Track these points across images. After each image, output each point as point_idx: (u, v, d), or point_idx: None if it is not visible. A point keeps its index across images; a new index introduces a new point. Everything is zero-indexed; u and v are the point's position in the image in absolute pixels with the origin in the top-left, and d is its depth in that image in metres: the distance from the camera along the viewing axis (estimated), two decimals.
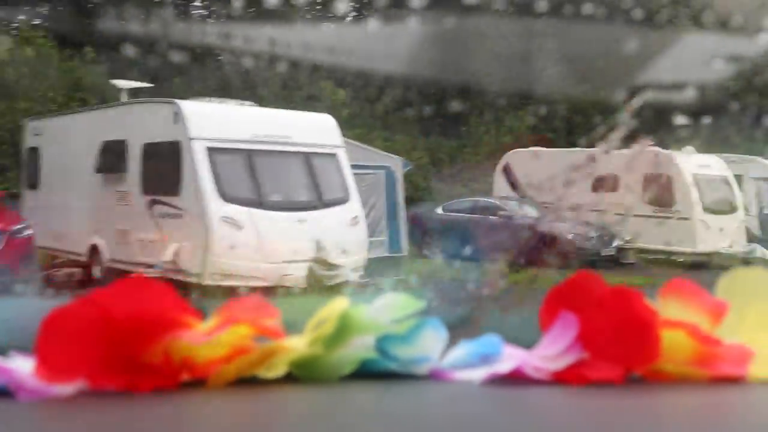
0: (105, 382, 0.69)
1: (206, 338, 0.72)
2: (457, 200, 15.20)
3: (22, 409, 0.68)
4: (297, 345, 0.76)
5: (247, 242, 7.78)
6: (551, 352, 0.78)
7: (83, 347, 0.69)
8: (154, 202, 8.51)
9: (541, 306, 0.82)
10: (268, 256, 7.75)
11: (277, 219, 8.16)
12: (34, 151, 11.36)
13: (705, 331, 0.80)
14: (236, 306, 0.76)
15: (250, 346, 0.74)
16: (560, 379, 0.77)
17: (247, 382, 0.74)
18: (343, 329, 0.76)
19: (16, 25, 29.88)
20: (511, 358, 0.79)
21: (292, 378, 0.76)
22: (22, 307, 0.97)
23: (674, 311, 0.82)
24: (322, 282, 7.42)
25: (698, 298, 0.84)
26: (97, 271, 9.20)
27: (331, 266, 7.81)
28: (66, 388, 0.69)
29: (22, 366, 0.71)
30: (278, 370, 0.75)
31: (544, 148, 18.60)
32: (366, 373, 0.78)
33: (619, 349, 0.77)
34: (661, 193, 14.59)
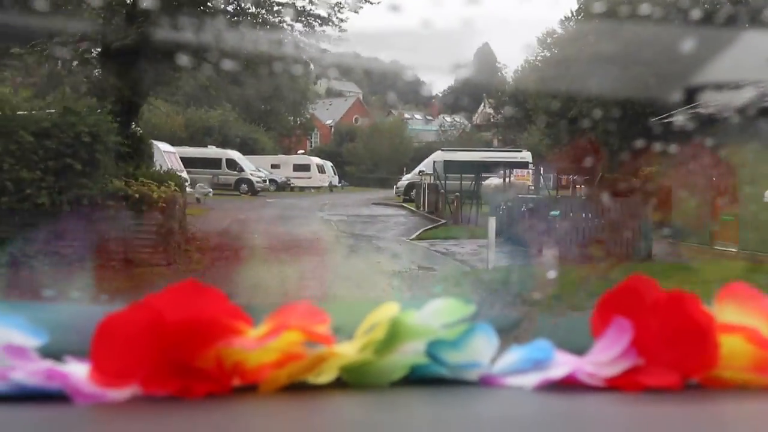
0: (158, 387, 0.70)
1: (258, 344, 0.73)
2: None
3: (78, 414, 0.69)
4: (347, 351, 0.76)
5: None
6: (605, 357, 0.77)
7: (137, 352, 0.70)
8: None
9: (594, 311, 0.80)
10: None
11: None
12: None
13: (765, 336, 0.78)
14: (287, 312, 0.77)
15: (301, 352, 0.74)
16: (615, 385, 0.75)
17: (298, 387, 0.74)
18: (394, 335, 0.75)
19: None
20: (563, 363, 0.78)
21: (342, 383, 0.76)
22: (76, 312, 0.98)
23: (732, 315, 0.80)
24: None
25: (756, 301, 0.82)
26: None
27: None
28: (120, 393, 0.70)
29: (77, 371, 0.72)
30: (329, 375, 0.75)
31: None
32: (416, 378, 0.77)
33: (676, 355, 0.75)
34: None
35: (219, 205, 27.53)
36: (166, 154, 28.76)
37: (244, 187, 39.20)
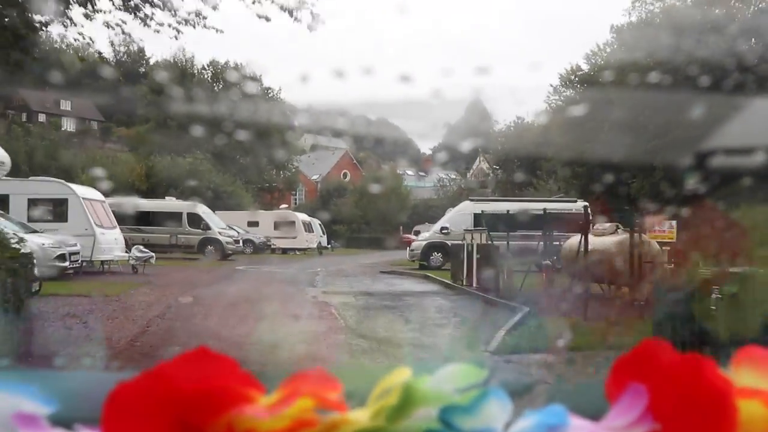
0: None
1: (270, 412, 0.72)
2: None
3: None
4: (360, 417, 0.75)
5: None
6: (620, 423, 0.76)
7: (148, 421, 0.69)
8: None
9: (608, 375, 0.80)
10: None
11: None
12: None
13: None
14: (300, 379, 0.76)
15: (313, 419, 0.74)
16: None
17: None
18: (406, 400, 0.75)
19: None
20: (578, 429, 0.77)
21: None
22: (87, 379, 0.98)
23: (749, 380, 0.79)
24: None
25: None
26: None
27: None
28: None
29: None
30: None
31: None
32: None
33: (693, 421, 0.74)
34: None
35: (164, 275, 20.28)
36: (89, 204, 22.53)
37: (211, 249, 32.38)
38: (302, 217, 43.44)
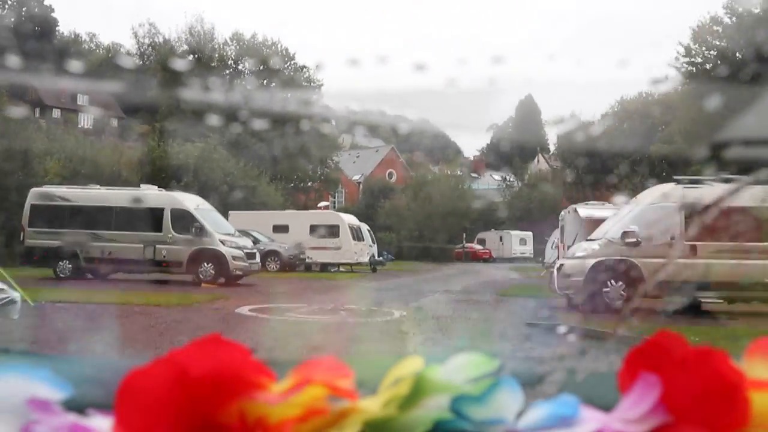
0: None
1: (281, 399, 0.73)
2: None
3: None
4: (371, 406, 0.75)
5: None
6: (633, 414, 0.75)
7: (161, 407, 0.70)
8: None
9: (621, 366, 0.80)
10: None
11: None
12: None
13: None
14: (311, 367, 0.77)
15: (324, 407, 0.74)
16: None
17: None
18: (417, 390, 0.75)
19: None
20: (590, 420, 0.77)
21: None
22: (100, 366, 0.99)
23: (762, 371, 0.79)
24: None
25: None
26: None
27: None
28: None
29: (101, 425, 0.72)
30: (352, 430, 0.75)
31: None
32: None
33: (705, 413, 0.74)
34: None
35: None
36: None
37: (207, 267, 20.32)
38: (349, 219, 31.48)
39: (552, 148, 67.91)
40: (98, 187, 23.02)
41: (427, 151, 70.40)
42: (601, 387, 0.84)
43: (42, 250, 21.44)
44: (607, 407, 0.79)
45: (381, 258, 33.49)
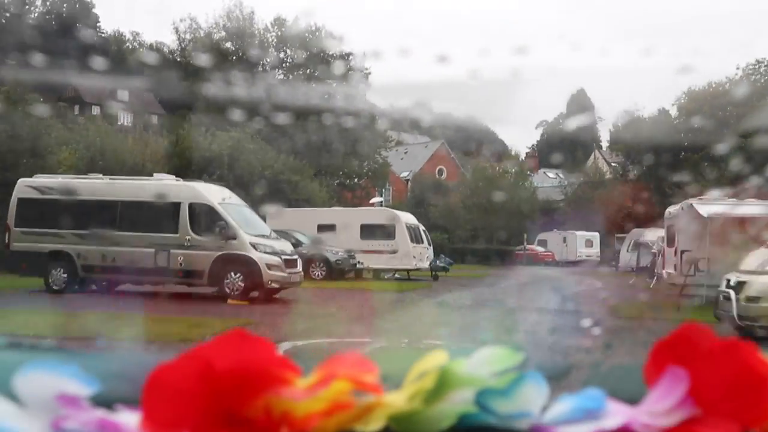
0: None
1: (306, 394, 0.73)
2: None
3: None
4: (396, 400, 0.75)
5: None
6: (660, 407, 0.75)
7: (187, 402, 0.70)
8: None
9: (647, 359, 0.79)
10: None
11: None
12: None
13: None
14: (336, 362, 0.77)
15: (349, 401, 0.74)
16: None
17: None
18: (442, 383, 0.75)
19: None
20: (616, 413, 0.77)
21: None
22: (128, 361, 1.00)
23: None
24: None
25: None
26: None
27: None
28: None
29: (129, 420, 0.73)
30: (377, 424, 0.75)
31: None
32: (465, 428, 0.76)
33: (734, 405, 0.73)
34: None
35: None
36: None
37: (236, 279, 16.38)
38: (406, 218, 27.20)
39: (605, 144, 65.17)
40: (101, 176, 18.75)
41: (476, 149, 64.14)
42: (628, 380, 0.83)
43: (31, 256, 17.02)
44: (633, 400, 0.78)
45: (442, 263, 27.22)
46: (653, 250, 26.31)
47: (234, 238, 16.47)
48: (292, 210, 27.46)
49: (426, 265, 26.61)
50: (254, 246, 16.51)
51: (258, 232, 17.32)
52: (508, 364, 0.79)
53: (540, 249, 46.19)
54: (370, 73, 49.70)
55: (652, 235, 33.02)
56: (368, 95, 48.77)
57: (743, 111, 38.58)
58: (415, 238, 26.72)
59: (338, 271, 24.02)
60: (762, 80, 43.32)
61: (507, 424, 0.77)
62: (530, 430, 0.77)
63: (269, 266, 16.38)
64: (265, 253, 16.53)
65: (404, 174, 57.72)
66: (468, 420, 0.76)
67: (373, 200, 37.69)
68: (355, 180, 46.17)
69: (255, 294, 16.33)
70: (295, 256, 17.62)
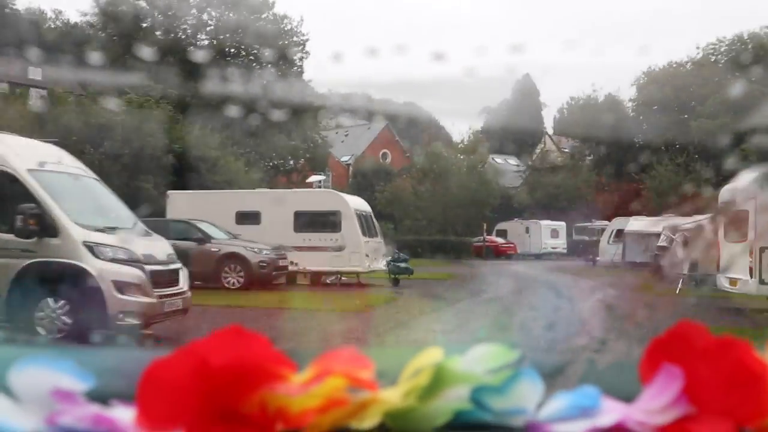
0: None
1: (302, 390, 0.73)
2: None
3: None
4: (391, 396, 0.75)
5: None
6: (655, 405, 0.75)
7: (182, 398, 0.70)
8: None
9: (642, 357, 0.79)
10: None
11: None
12: None
13: None
14: (331, 358, 0.77)
15: (345, 398, 0.74)
16: None
17: None
18: (438, 380, 0.75)
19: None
20: (611, 410, 0.77)
21: (385, 429, 0.76)
22: (123, 357, 1.00)
23: None
24: None
25: None
26: None
27: None
28: None
29: (124, 415, 0.73)
30: (372, 421, 0.75)
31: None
32: (460, 424, 0.77)
33: (729, 403, 0.74)
34: None
35: None
36: None
37: (55, 310, 8.81)
38: (356, 204, 20.72)
39: (551, 130, 63.22)
40: None
41: (425, 132, 58.13)
42: (623, 378, 0.84)
43: None
44: (628, 398, 0.78)
45: (403, 263, 20.14)
46: (662, 243, 21.99)
47: (55, 234, 9.15)
48: (201, 193, 21.33)
49: (382, 265, 19.91)
50: (92, 248, 9.20)
51: (107, 224, 10.07)
52: (504, 361, 0.79)
53: (500, 240, 41.56)
54: (307, 40, 43.39)
55: (639, 224, 30.27)
56: (306, 67, 43.90)
57: (706, 91, 37.55)
58: (368, 230, 20.33)
59: (262, 278, 17.44)
60: (723, 60, 42.92)
61: (502, 420, 0.77)
62: (525, 427, 0.77)
63: (121, 286, 9.12)
64: (115, 261, 9.32)
65: (345, 158, 52.08)
66: (463, 417, 0.76)
67: (311, 179, 29.98)
68: (291, 162, 38.75)
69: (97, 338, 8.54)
70: (177, 265, 10.40)
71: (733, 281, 13.80)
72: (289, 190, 25.97)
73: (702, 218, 18.97)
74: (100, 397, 0.75)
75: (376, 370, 0.77)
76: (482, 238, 39.37)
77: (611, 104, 46.98)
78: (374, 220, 21.77)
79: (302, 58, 42.46)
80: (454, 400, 0.76)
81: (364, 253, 19.60)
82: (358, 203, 21.20)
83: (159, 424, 0.70)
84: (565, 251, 41.69)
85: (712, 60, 43.54)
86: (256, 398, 0.72)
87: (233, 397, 0.71)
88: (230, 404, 0.71)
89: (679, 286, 17.61)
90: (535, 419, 0.77)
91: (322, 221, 19.95)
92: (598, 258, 33.20)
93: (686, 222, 20.36)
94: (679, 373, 0.75)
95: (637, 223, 31.01)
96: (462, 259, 34.88)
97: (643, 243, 28.36)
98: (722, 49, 44.28)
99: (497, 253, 39.90)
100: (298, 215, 19.91)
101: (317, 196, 21.97)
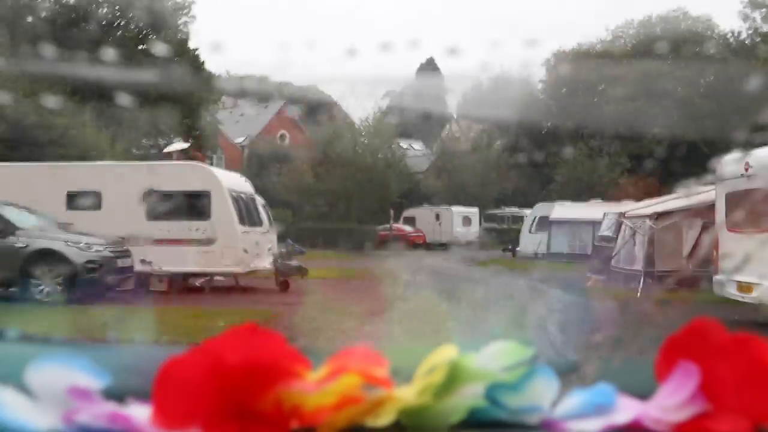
0: (219, 430, 0.71)
1: (317, 387, 0.73)
2: None
3: None
4: (406, 394, 0.75)
5: None
6: (671, 403, 0.75)
7: (198, 396, 0.71)
8: None
9: (658, 355, 0.79)
10: None
11: None
12: None
13: None
14: (346, 356, 0.77)
15: (360, 395, 0.74)
16: (683, 431, 0.73)
17: (356, 430, 0.74)
18: (452, 378, 0.75)
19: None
20: (627, 408, 0.77)
21: (400, 427, 0.76)
22: (139, 355, 1.00)
23: None
24: None
25: None
26: None
27: None
28: None
29: (140, 413, 0.73)
30: (387, 418, 0.75)
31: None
32: (475, 422, 0.76)
33: (746, 400, 0.73)
34: None
35: None
36: None
37: None
38: (231, 182, 16.07)
39: (457, 114, 60.80)
40: None
41: (327, 113, 51.15)
42: (638, 375, 0.83)
43: None
44: (644, 396, 0.78)
45: (294, 260, 16.32)
46: (605, 232, 18.01)
47: None
48: (9, 167, 15.32)
49: (268, 263, 15.36)
50: None
51: None
52: (518, 359, 0.79)
53: (408, 228, 38.03)
54: (193, 2, 38.59)
55: (567, 210, 25.98)
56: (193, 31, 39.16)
57: (616, 73, 36.38)
58: (248, 217, 15.50)
59: (92, 284, 12.38)
60: (633, 41, 42.53)
61: (517, 418, 0.77)
62: (540, 425, 0.77)
63: None
64: None
65: (239, 139, 47.32)
66: (478, 414, 0.76)
67: (170, 147, 23.14)
68: (172, 139, 31.69)
69: None
70: None
71: (745, 286, 10.64)
72: (141, 163, 19.06)
73: (677, 200, 14.95)
74: (117, 395, 0.76)
75: (390, 367, 0.77)
76: (389, 226, 36.08)
77: (522, 86, 45.38)
78: (258, 204, 16.71)
79: (186, 23, 37.44)
80: (469, 397, 0.76)
81: (242, 248, 14.58)
82: (234, 181, 16.01)
83: (175, 422, 0.70)
84: (478, 240, 37.84)
85: (622, 42, 43.20)
86: (271, 396, 0.72)
87: (248, 394, 0.72)
88: (245, 402, 0.72)
89: (640, 286, 14.27)
90: (550, 417, 0.77)
91: (186, 205, 14.81)
92: (518, 249, 29.45)
93: (644, 206, 16.22)
94: (696, 371, 0.74)
95: (564, 210, 26.58)
96: (367, 249, 31.02)
97: (572, 232, 25.33)
98: (630, 32, 44.15)
99: (405, 243, 36.25)
100: (150, 196, 14.47)
101: (178, 172, 15.65)
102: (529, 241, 28.20)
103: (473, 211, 39.44)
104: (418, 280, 18.00)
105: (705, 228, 13.99)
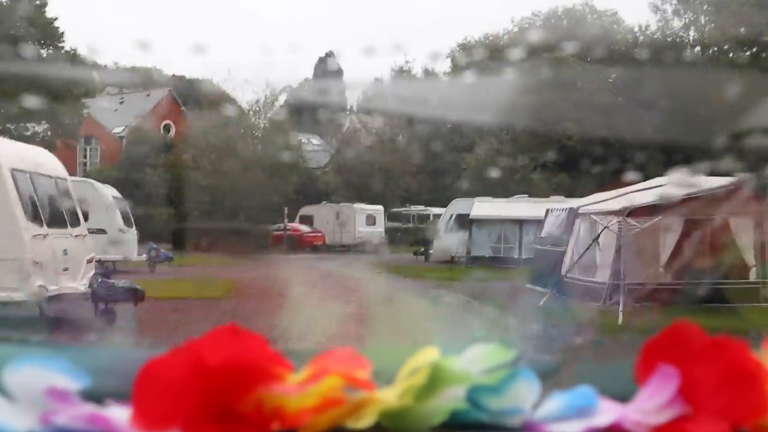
0: None
1: (298, 389, 0.73)
2: None
3: None
4: (387, 396, 0.75)
5: None
6: (651, 405, 0.75)
7: (178, 397, 0.70)
8: None
9: (637, 358, 0.79)
10: None
11: None
12: None
13: None
14: (328, 357, 0.77)
15: (341, 397, 0.74)
16: None
17: None
18: (434, 380, 0.75)
19: None
20: (607, 410, 0.77)
21: (381, 429, 0.76)
22: (118, 356, 0.99)
23: None
24: None
25: None
26: None
27: None
28: None
29: (119, 415, 0.73)
30: (368, 420, 0.75)
31: None
32: (456, 424, 0.77)
33: (724, 403, 0.74)
34: None
35: None
36: None
37: None
38: (21, 155, 10.72)
39: (355, 107, 60.37)
40: None
41: (214, 102, 49.54)
42: (618, 378, 0.84)
43: None
44: (624, 398, 0.78)
45: (125, 280, 12.03)
46: (551, 232, 15.20)
47: None
48: None
49: (82, 285, 10.94)
50: None
51: None
52: (500, 361, 0.79)
53: (305, 228, 34.61)
54: None
55: (489, 207, 23.16)
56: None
57: (524, 64, 35.71)
58: (50, 211, 10.87)
59: None
60: (539, 33, 42.50)
61: (498, 420, 0.77)
62: (522, 427, 0.77)
63: None
64: None
65: (118, 129, 42.79)
66: (459, 416, 0.76)
67: None
68: (35, 128, 28.49)
69: None
70: None
71: None
72: None
73: (651, 192, 12.46)
74: (95, 396, 0.75)
75: (372, 369, 0.77)
76: (283, 225, 32.60)
77: (425, 78, 44.31)
78: (71, 191, 11.91)
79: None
80: (450, 399, 0.76)
81: (30, 260, 9.78)
82: (29, 157, 11.19)
83: (155, 424, 0.70)
84: (384, 240, 34.69)
85: (527, 33, 42.70)
86: (253, 398, 0.72)
87: (230, 396, 0.71)
88: (227, 403, 0.71)
89: (605, 303, 11.88)
90: (531, 419, 0.77)
91: None
92: (431, 251, 26.15)
93: (603, 200, 13.64)
94: (675, 373, 0.75)
95: (485, 207, 23.61)
96: (258, 252, 27.59)
97: (496, 233, 23.11)
98: (537, 24, 44.19)
99: (301, 244, 32.97)
100: None
101: None
102: (445, 243, 24.80)
103: (378, 209, 36.28)
104: (312, 298, 14.69)
105: (695, 228, 11.69)
